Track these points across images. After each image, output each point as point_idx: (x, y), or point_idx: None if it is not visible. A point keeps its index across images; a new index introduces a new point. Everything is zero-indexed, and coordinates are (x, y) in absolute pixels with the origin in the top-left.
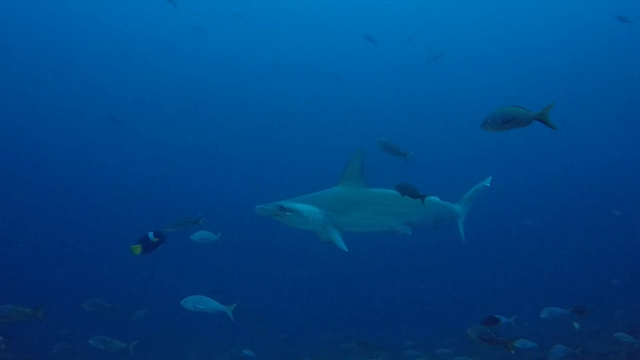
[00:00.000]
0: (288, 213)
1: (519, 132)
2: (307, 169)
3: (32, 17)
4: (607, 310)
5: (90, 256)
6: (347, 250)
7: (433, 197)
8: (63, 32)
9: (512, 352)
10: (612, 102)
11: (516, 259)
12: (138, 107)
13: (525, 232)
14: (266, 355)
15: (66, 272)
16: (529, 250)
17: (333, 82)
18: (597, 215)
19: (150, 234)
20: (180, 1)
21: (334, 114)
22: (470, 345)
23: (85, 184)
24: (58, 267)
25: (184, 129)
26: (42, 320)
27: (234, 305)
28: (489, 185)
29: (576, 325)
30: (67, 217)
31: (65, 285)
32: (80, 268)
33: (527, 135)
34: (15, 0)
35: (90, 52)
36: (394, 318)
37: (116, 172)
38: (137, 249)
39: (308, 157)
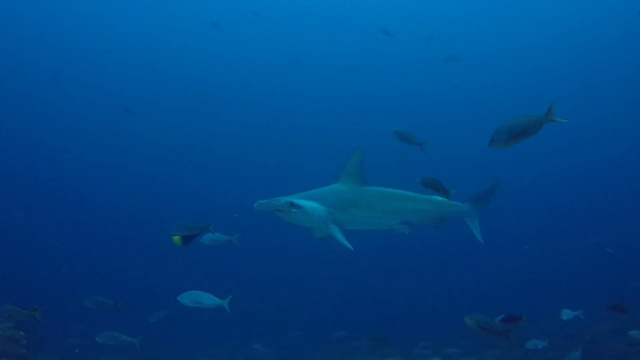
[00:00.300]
0: (294, 210)
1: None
2: (308, 166)
3: (34, 17)
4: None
5: (105, 255)
6: (352, 248)
7: (434, 196)
8: (71, 32)
9: (509, 341)
10: (629, 97)
11: (534, 258)
12: (145, 106)
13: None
14: (277, 352)
15: (83, 270)
16: (548, 250)
17: (336, 82)
18: (615, 214)
19: None
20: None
21: (341, 112)
22: (483, 345)
23: (98, 185)
24: (76, 265)
25: (187, 128)
26: (39, 321)
27: (229, 298)
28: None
29: (598, 327)
30: (89, 217)
31: (81, 283)
32: (95, 267)
33: (541, 133)
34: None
35: (102, 52)
36: (409, 316)
37: (127, 172)
38: (178, 239)
39: (311, 155)
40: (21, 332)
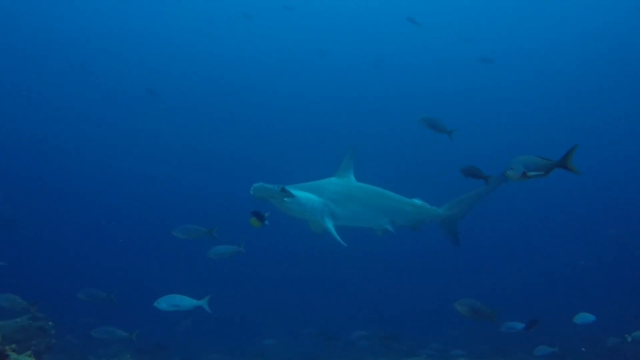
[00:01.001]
0: (286, 198)
1: (537, 131)
2: (312, 165)
3: (31, 14)
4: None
5: (115, 252)
6: (345, 245)
7: (415, 199)
8: (72, 30)
9: (496, 324)
10: None
11: (546, 262)
12: (147, 106)
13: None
14: (288, 349)
15: (94, 268)
16: (559, 253)
17: (336, 82)
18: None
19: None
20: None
21: (341, 112)
22: (492, 351)
23: (99, 184)
24: (82, 263)
25: (186, 129)
26: (34, 314)
27: (207, 297)
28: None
29: (629, 337)
30: (92, 215)
31: (90, 280)
32: (105, 266)
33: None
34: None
35: (105, 51)
36: (417, 318)
37: (135, 174)
38: (255, 220)
39: (315, 155)
40: (50, 323)
